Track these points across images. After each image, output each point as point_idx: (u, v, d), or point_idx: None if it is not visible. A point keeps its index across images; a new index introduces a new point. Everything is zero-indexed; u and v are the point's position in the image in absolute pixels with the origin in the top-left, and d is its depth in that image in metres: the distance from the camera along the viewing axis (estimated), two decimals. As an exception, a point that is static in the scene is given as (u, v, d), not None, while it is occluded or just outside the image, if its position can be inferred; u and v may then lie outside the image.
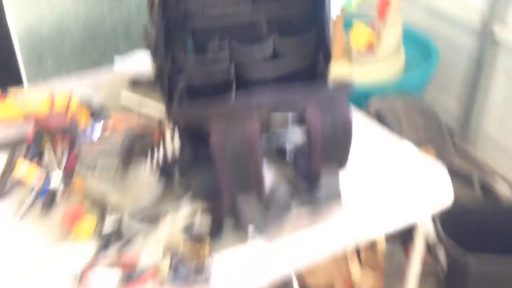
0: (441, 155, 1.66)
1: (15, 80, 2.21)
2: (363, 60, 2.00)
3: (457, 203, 1.70)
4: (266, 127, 0.85)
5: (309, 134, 0.86)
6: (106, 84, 1.37)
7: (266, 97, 0.82)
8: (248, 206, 0.86)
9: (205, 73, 1.07)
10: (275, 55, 1.09)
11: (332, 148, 0.89)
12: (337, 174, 0.94)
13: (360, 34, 2.06)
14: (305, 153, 1.03)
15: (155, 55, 1.10)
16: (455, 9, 2.17)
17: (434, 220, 1.45)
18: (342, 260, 1.56)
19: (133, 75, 1.37)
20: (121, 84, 1.36)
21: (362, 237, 0.96)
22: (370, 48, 2.05)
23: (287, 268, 0.91)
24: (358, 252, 1.59)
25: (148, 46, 1.14)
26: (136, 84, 1.35)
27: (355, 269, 1.54)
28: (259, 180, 0.85)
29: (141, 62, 1.40)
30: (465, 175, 2.15)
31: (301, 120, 0.88)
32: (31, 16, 2.25)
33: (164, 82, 1.09)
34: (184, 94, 1.06)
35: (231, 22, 1.06)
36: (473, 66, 2.14)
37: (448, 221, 1.42)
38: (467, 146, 2.28)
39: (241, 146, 0.79)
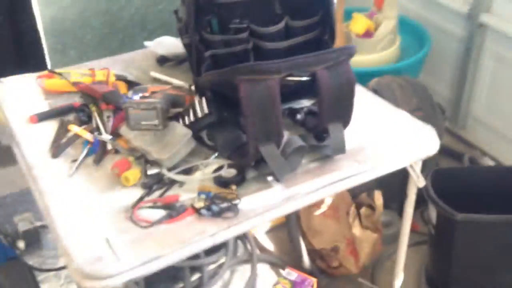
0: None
1: (42, 68, 2.39)
2: (362, 45, 2.19)
3: (446, 169, 1.89)
4: (283, 87, 1.03)
5: (319, 93, 1.05)
6: (137, 63, 1.55)
7: (282, 62, 1.00)
8: (269, 153, 1.05)
9: (228, 49, 1.26)
10: (287, 34, 1.28)
11: (338, 105, 1.08)
12: (342, 129, 1.13)
13: (359, 22, 2.25)
14: (313, 113, 1.22)
15: (185, 33, 1.29)
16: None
17: (426, 184, 1.64)
18: (345, 224, 1.74)
19: (159, 55, 1.56)
20: (149, 63, 1.55)
21: (362, 179, 1.15)
22: (368, 34, 2.24)
23: (298, 205, 1.10)
24: (359, 216, 1.77)
25: (178, 27, 1.32)
26: (162, 61, 1.54)
27: (357, 232, 1.72)
28: (279, 129, 1.03)
29: (166, 45, 1.58)
30: (455, 154, 2.34)
31: (312, 81, 1.07)
32: (55, 9, 2.43)
33: (193, 56, 1.28)
34: (210, 66, 1.25)
35: (250, 4, 1.25)
36: (463, 51, 2.33)
37: (438, 185, 1.60)
38: (457, 129, 2.47)
39: (264, 97, 0.98)
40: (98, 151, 1.20)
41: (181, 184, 1.13)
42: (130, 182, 1.12)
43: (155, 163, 1.16)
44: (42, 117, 1.32)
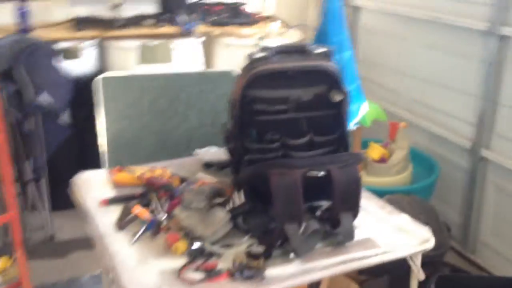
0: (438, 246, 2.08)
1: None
2: (377, 169, 2.51)
3: (450, 275, 2.08)
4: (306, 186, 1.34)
5: (332, 187, 1.36)
6: (187, 167, 1.90)
7: (305, 160, 1.33)
8: (292, 232, 1.33)
9: (263, 155, 1.60)
10: (310, 146, 1.62)
11: (347, 198, 1.38)
12: (351, 219, 1.41)
13: (375, 150, 2.61)
14: (329, 210, 1.51)
15: (230, 141, 1.65)
16: (449, 134, 2.72)
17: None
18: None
19: (205, 161, 1.91)
20: (197, 167, 1.90)
21: (365, 263, 1.39)
22: (383, 160, 2.58)
23: (314, 278, 1.35)
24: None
25: (225, 135, 1.69)
26: (208, 166, 1.88)
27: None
28: (300, 213, 1.32)
29: (211, 153, 1.95)
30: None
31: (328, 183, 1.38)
32: (115, 129, 2.88)
33: (235, 158, 1.62)
34: (245, 173, 1.58)
35: (282, 122, 1.61)
36: (468, 181, 2.62)
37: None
38: (468, 252, 2.67)
39: (290, 186, 1.29)
40: (154, 228, 1.50)
41: (219, 256, 1.40)
42: (178, 252, 1.40)
43: (199, 238, 1.44)
44: (112, 201, 1.64)
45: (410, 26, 3.02)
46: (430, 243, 1.49)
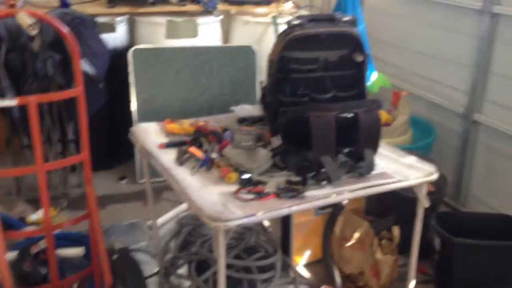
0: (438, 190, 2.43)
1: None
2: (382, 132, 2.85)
3: (448, 212, 2.43)
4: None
5: (358, 127, 1.69)
6: (224, 121, 2.22)
7: (336, 105, 1.66)
8: (327, 161, 1.66)
9: (295, 107, 1.93)
10: (334, 100, 1.95)
11: (370, 136, 1.71)
12: (373, 154, 1.75)
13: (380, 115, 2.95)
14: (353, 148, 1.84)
15: (267, 95, 1.97)
16: (445, 102, 3.07)
17: (433, 221, 2.19)
18: (369, 253, 2.26)
19: (239, 117, 2.23)
20: (232, 121, 2.22)
21: (383, 189, 1.74)
22: (387, 124, 2.93)
23: (343, 198, 1.69)
24: (381, 246, 2.29)
25: (262, 92, 2.01)
26: (242, 121, 2.21)
27: (379, 257, 2.24)
28: (333, 147, 1.66)
29: (244, 110, 2.27)
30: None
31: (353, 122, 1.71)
32: (145, 96, 3.19)
33: (272, 110, 1.94)
34: (284, 118, 1.91)
35: (311, 80, 1.94)
36: (461, 142, 2.98)
37: (442, 224, 2.16)
38: (459, 206, 3.03)
39: (325, 125, 1.62)
40: (208, 164, 1.83)
41: (265, 184, 1.73)
42: (231, 180, 1.73)
43: (247, 171, 1.77)
44: (168, 145, 1.97)
45: (411, 6, 3.35)
46: (435, 175, 1.84)
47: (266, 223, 2.57)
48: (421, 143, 2.94)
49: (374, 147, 1.75)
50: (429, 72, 3.23)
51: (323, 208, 2.41)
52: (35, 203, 2.82)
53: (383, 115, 2.98)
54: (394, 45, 3.53)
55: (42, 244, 2.06)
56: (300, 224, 2.44)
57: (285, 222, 2.46)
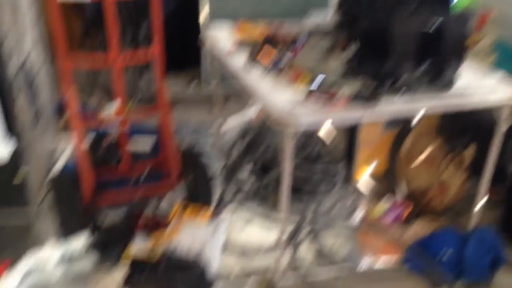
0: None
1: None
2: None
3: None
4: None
5: (444, 38, 1.59)
6: (296, 28, 2.14)
7: (422, 13, 1.56)
8: (407, 68, 1.59)
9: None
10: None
11: (455, 50, 1.61)
12: (455, 69, 1.65)
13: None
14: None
15: (344, 3, 1.87)
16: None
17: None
18: (438, 169, 2.21)
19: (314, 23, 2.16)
20: (308, 27, 2.14)
21: (459, 107, 1.66)
22: (470, 46, 2.75)
23: (416, 109, 1.63)
24: (452, 164, 2.22)
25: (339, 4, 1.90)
26: (317, 27, 2.13)
27: (448, 175, 2.19)
28: (415, 57, 1.58)
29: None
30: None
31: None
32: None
33: (350, 16, 1.85)
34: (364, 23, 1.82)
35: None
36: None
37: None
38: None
39: (410, 33, 1.54)
40: (280, 66, 1.80)
41: (338, 88, 1.68)
42: (302, 84, 1.70)
43: (318, 77, 1.73)
44: (240, 47, 1.94)
45: None
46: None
47: (333, 133, 2.55)
48: (504, 69, 2.75)
49: (458, 61, 1.65)
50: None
51: (392, 123, 2.35)
52: (110, 97, 2.93)
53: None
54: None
55: (116, 133, 2.17)
56: (367, 137, 2.40)
57: (352, 133, 2.43)
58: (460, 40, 1.61)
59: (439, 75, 1.66)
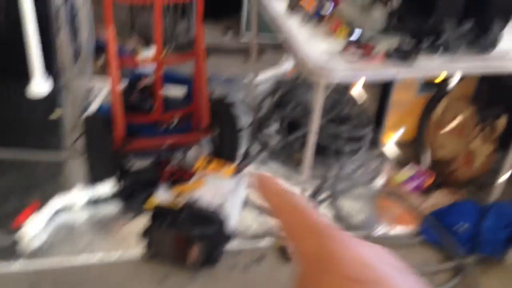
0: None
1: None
2: None
3: None
4: None
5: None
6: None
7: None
8: (449, 26, 1.54)
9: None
10: None
11: (502, 8, 1.55)
12: (501, 28, 1.59)
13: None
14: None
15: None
16: None
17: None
18: (467, 139, 2.17)
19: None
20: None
21: (499, 70, 1.60)
22: None
23: (455, 69, 1.58)
24: (482, 134, 2.18)
25: None
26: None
27: (476, 145, 2.15)
28: (459, 13, 1.52)
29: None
30: None
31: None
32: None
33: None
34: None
35: None
36: None
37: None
38: None
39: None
40: (320, 16, 1.76)
41: (377, 42, 1.65)
42: (341, 35, 1.67)
43: (359, 28, 1.69)
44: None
45: None
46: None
47: (363, 96, 2.52)
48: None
49: (503, 21, 1.59)
50: None
51: (427, 87, 2.30)
52: (146, 42, 2.94)
53: None
54: None
55: (150, 78, 2.18)
56: (399, 101, 2.36)
57: (383, 96, 2.39)
58: None
59: (482, 35, 1.61)
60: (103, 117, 2.02)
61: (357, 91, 2.48)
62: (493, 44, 1.60)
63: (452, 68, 1.59)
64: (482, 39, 1.60)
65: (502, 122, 2.11)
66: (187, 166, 2.02)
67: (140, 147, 1.99)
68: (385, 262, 0.28)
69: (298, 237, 0.30)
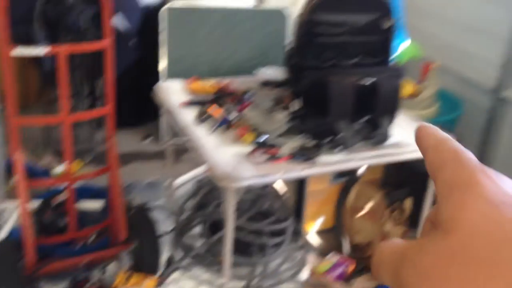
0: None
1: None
2: (409, 103, 2.81)
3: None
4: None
5: (377, 94, 1.68)
6: (247, 83, 2.23)
7: (356, 70, 1.65)
8: (344, 126, 1.66)
9: (317, 71, 1.92)
10: (358, 66, 1.93)
11: (388, 103, 1.70)
12: (389, 123, 1.74)
13: (408, 86, 2.90)
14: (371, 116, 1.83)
15: (292, 58, 1.96)
16: (475, 75, 3.00)
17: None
18: (379, 223, 2.27)
19: (264, 79, 2.24)
20: (256, 84, 2.22)
21: (397, 159, 1.73)
22: (414, 95, 2.88)
23: (355, 165, 1.69)
24: (392, 217, 2.29)
25: (287, 55, 2.00)
26: (266, 84, 2.21)
27: (389, 228, 2.24)
28: (351, 112, 1.65)
29: (269, 72, 2.27)
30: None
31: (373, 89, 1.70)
32: (174, 55, 3.20)
33: (295, 73, 1.94)
34: (305, 81, 1.91)
35: (335, 45, 1.92)
36: (487, 120, 2.91)
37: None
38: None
39: (344, 90, 1.62)
40: (226, 124, 1.85)
41: (280, 146, 1.74)
42: (247, 141, 1.75)
43: (264, 133, 1.78)
44: (189, 104, 1.99)
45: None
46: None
47: (283, 189, 2.59)
48: (446, 117, 2.89)
49: (391, 115, 1.74)
50: (463, 44, 3.14)
51: (339, 176, 2.41)
52: (62, 157, 2.91)
53: (410, 86, 2.93)
54: (431, 14, 3.44)
55: (63, 195, 2.14)
56: (315, 191, 2.45)
57: (300, 188, 2.48)
58: (393, 95, 1.70)
59: (374, 131, 1.74)
60: (13, 241, 1.93)
61: (277, 184, 2.55)
62: (384, 137, 1.74)
63: (352, 161, 1.69)
64: (375, 134, 1.74)
65: (408, 204, 2.24)
66: (107, 284, 1.94)
67: (55, 269, 1.90)
68: None
69: (448, 169, 0.29)
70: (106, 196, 2.14)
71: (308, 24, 1.81)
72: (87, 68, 2.95)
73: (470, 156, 0.29)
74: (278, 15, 3.31)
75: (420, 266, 0.27)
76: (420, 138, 0.33)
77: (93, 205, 2.31)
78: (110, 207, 2.08)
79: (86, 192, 2.29)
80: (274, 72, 2.27)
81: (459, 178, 0.28)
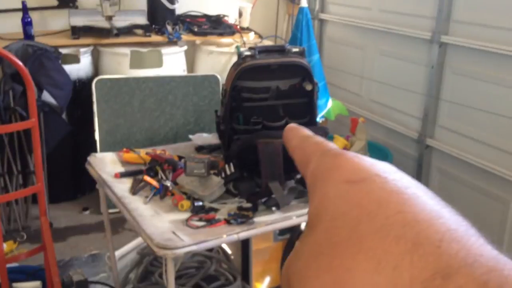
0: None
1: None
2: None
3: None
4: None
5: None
6: (181, 149, 2.27)
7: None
8: (275, 187, 1.71)
9: (248, 135, 1.99)
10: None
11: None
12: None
13: (338, 141, 3.03)
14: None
15: (221, 124, 2.03)
16: (400, 128, 3.18)
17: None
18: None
19: (197, 145, 2.28)
20: (190, 150, 2.26)
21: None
22: (345, 150, 3.01)
23: (291, 223, 1.73)
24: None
25: (217, 120, 2.06)
26: (200, 149, 2.26)
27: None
28: (281, 173, 1.71)
29: (202, 138, 2.32)
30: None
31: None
32: (108, 126, 3.22)
33: (225, 138, 2.00)
34: (236, 145, 1.97)
35: (263, 108, 2.01)
36: (416, 166, 3.07)
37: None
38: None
39: (273, 152, 1.68)
40: (162, 192, 1.86)
41: (216, 211, 1.77)
42: (184, 208, 1.77)
43: (199, 200, 1.81)
44: (123, 174, 1.99)
45: (367, 36, 3.49)
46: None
47: (229, 251, 2.59)
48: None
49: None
50: (385, 99, 3.35)
51: (282, 233, 2.45)
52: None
53: (341, 141, 3.06)
54: (352, 73, 3.65)
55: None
56: (260, 250, 2.47)
57: (245, 249, 2.49)
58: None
59: (305, 188, 1.80)
60: None
61: (220, 248, 2.55)
62: (317, 193, 1.80)
63: (290, 219, 1.74)
64: (306, 191, 1.79)
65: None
66: None
67: None
68: (389, 170, 0.27)
69: (313, 163, 0.30)
70: (44, 276, 2.06)
71: (233, 91, 1.90)
72: (18, 145, 2.89)
73: (331, 145, 0.31)
74: (211, 79, 3.42)
75: (297, 273, 0.27)
76: (287, 141, 0.34)
77: (30, 285, 2.22)
78: (48, 287, 2.01)
79: (22, 273, 2.20)
80: (208, 137, 2.33)
81: (323, 167, 0.29)
